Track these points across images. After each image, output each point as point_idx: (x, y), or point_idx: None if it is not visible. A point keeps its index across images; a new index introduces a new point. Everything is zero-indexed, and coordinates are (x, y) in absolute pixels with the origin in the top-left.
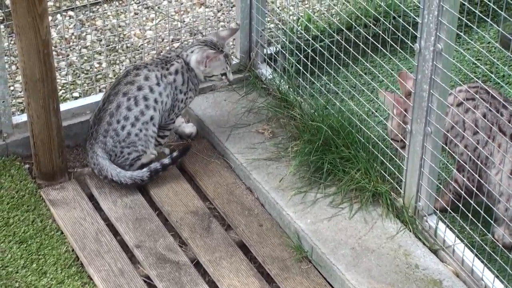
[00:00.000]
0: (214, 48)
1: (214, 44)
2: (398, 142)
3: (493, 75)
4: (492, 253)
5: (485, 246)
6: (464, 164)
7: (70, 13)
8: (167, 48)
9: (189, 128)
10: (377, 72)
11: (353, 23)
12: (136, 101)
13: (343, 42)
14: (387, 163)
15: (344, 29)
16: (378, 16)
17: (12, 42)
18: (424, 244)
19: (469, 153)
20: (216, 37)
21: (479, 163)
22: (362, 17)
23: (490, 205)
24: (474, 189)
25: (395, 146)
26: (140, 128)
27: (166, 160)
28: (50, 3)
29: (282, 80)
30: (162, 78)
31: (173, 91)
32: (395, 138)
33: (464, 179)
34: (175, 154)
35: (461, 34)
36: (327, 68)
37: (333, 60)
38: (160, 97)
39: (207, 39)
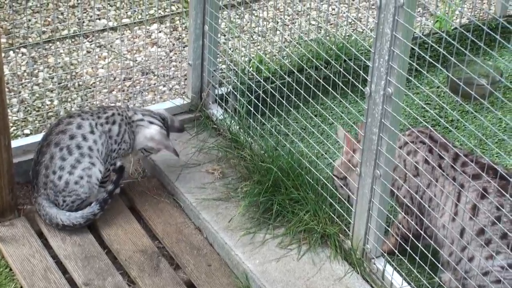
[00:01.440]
0: (163, 123)
1: (163, 119)
2: (340, 180)
3: (442, 120)
4: None
5: None
6: (409, 206)
7: (23, 50)
8: (119, 86)
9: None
10: (327, 115)
11: (304, 66)
12: (70, 150)
13: (294, 84)
14: (336, 205)
15: (295, 71)
16: (329, 59)
17: None
18: (372, 286)
19: (412, 194)
20: (168, 115)
21: (425, 204)
22: (314, 60)
23: (437, 248)
24: (421, 231)
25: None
26: (80, 175)
27: (110, 187)
28: (3, 40)
29: (233, 121)
30: (97, 126)
31: (108, 140)
32: (338, 175)
33: (410, 221)
34: (114, 178)
35: (411, 78)
36: (277, 109)
37: (283, 101)
38: (95, 145)
39: (164, 117)
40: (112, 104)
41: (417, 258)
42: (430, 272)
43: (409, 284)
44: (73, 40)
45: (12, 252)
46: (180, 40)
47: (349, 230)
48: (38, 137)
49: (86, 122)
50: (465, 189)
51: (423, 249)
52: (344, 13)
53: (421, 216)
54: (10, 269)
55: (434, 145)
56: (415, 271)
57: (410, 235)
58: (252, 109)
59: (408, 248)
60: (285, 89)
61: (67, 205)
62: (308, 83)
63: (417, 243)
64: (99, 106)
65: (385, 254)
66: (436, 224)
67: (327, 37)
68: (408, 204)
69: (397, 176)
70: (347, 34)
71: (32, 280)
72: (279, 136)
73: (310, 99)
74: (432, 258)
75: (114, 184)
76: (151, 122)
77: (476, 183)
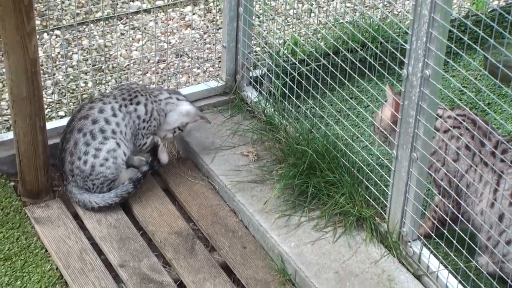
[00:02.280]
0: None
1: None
2: (382, 136)
3: (480, 102)
4: (476, 280)
5: (469, 273)
6: (446, 189)
7: (57, 32)
8: (153, 69)
9: (162, 156)
10: (363, 97)
11: (340, 48)
12: (93, 134)
13: (329, 66)
14: (372, 188)
15: (330, 53)
16: (365, 41)
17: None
18: (408, 269)
19: (451, 177)
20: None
21: (462, 188)
22: (349, 42)
23: (475, 231)
24: (458, 215)
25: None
26: (105, 157)
27: (145, 168)
28: (37, 22)
29: (267, 103)
30: (121, 108)
31: (133, 120)
32: (379, 127)
33: (447, 204)
34: (150, 159)
35: (449, 60)
36: (312, 92)
37: (319, 84)
38: (118, 127)
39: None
40: (135, 84)
41: (454, 241)
42: (467, 256)
43: (445, 267)
44: (107, 22)
45: (48, 233)
46: (214, 22)
47: (385, 213)
48: None
49: (108, 106)
50: (504, 175)
51: (460, 232)
52: None
53: (459, 200)
54: (46, 250)
55: (476, 131)
56: (452, 254)
57: (447, 219)
58: (287, 91)
59: (445, 232)
60: (320, 72)
61: (98, 187)
62: (343, 65)
63: (454, 226)
64: (121, 88)
65: (422, 238)
66: (474, 209)
67: (363, 19)
68: (446, 188)
69: (436, 159)
70: (383, 16)
71: (68, 261)
72: (314, 118)
73: (345, 82)
74: (470, 242)
75: (150, 166)
76: (179, 99)
77: None
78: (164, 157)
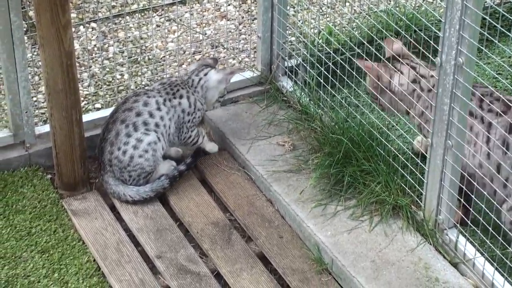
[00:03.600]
0: (210, 65)
1: (207, 65)
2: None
3: None
4: None
5: (506, 260)
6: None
7: (93, 24)
8: (188, 60)
9: (209, 146)
10: (397, 86)
11: (374, 37)
12: (135, 126)
13: (364, 56)
14: (408, 176)
15: (365, 42)
16: (400, 30)
17: (36, 53)
18: (444, 257)
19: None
20: (208, 63)
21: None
22: (384, 31)
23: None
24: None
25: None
26: (145, 149)
27: (182, 167)
28: (73, 15)
29: (302, 93)
30: (166, 102)
31: (178, 115)
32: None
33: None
34: (188, 160)
35: (482, 48)
36: (347, 81)
37: (354, 73)
38: (162, 121)
39: (206, 64)
40: (173, 77)
41: (489, 228)
42: (504, 243)
43: (482, 255)
44: (142, 14)
45: (85, 225)
46: (249, 13)
47: (421, 201)
48: (108, 111)
49: (152, 99)
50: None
51: (496, 220)
52: None
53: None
54: (83, 242)
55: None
56: (488, 241)
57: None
58: (322, 81)
59: (481, 219)
60: (355, 61)
61: (134, 179)
62: (378, 54)
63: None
64: (162, 82)
65: (458, 225)
66: (473, 162)
67: (397, 8)
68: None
69: (424, 120)
70: (417, 5)
71: (105, 253)
72: (349, 107)
73: (380, 70)
74: (506, 229)
75: (187, 166)
76: (206, 74)
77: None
78: (210, 146)
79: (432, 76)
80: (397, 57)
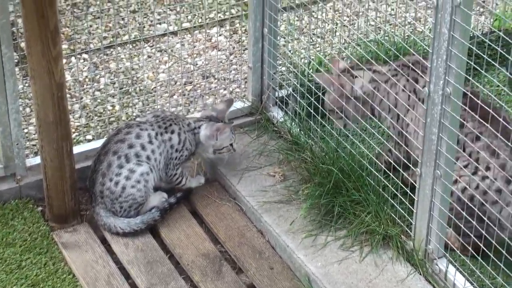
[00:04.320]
0: (218, 121)
1: (216, 118)
2: (334, 114)
3: (500, 119)
4: None
5: None
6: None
7: (84, 56)
8: (180, 91)
9: (194, 183)
10: (386, 115)
11: (363, 67)
12: (128, 158)
13: (353, 85)
14: (397, 206)
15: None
16: (388, 60)
17: (27, 84)
18: (434, 287)
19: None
20: (215, 112)
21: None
22: (372, 61)
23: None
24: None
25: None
26: (138, 179)
27: (172, 200)
28: (64, 46)
29: (293, 123)
30: (157, 136)
31: (167, 149)
32: (331, 109)
33: (395, 150)
34: (179, 194)
35: (470, 78)
36: (337, 111)
37: (343, 103)
38: (153, 154)
39: (208, 115)
40: (168, 112)
41: (478, 258)
42: (493, 272)
43: (471, 284)
44: (134, 45)
45: (75, 258)
46: (240, 43)
47: (410, 231)
48: (100, 143)
49: (145, 132)
50: None
51: (485, 249)
52: (403, 13)
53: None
54: (74, 275)
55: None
56: (477, 271)
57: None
58: (312, 111)
59: (470, 249)
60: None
61: (125, 211)
62: (367, 83)
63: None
64: (156, 115)
65: (447, 255)
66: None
67: (386, 38)
68: (392, 135)
69: (381, 108)
70: (406, 35)
71: (96, 286)
72: (339, 137)
73: (369, 100)
74: (494, 258)
75: (177, 199)
76: (199, 127)
77: None
78: (195, 183)
79: (389, 70)
80: (349, 68)
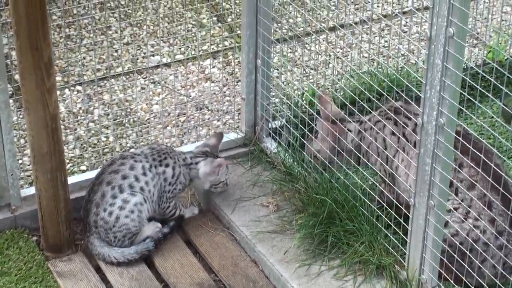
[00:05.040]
0: (214, 157)
1: (212, 154)
2: (318, 160)
3: (494, 149)
4: None
5: None
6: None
7: (78, 87)
8: (173, 122)
9: (188, 214)
10: (380, 146)
11: (357, 98)
12: (121, 188)
13: (346, 117)
14: (391, 236)
15: (347, 103)
16: (381, 91)
17: (21, 116)
18: None
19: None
20: (209, 148)
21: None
22: (366, 92)
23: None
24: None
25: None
26: (131, 209)
27: (166, 229)
28: (58, 78)
29: (286, 154)
30: (151, 169)
31: (160, 182)
32: (322, 156)
33: (384, 190)
34: (171, 223)
35: (463, 109)
36: (331, 141)
37: (337, 134)
38: (147, 186)
39: (204, 151)
40: (163, 145)
41: (472, 286)
42: None
43: None
44: (127, 76)
45: (71, 287)
46: (233, 74)
47: (404, 261)
48: (94, 173)
49: (139, 164)
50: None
51: (478, 278)
52: (396, 45)
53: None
54: None
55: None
56: None
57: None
58: (306, 142)
59: (464, 278)
60: (338, 122)
61: (119, 241)
62: (360, 115)
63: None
64: (151, 147)
65: (441, 285)
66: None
67: (380, 69)
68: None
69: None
70: (400, 66)
71: None
72: (333, 168)
73: (363, 131)
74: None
75: (171, 229)
76: (197, 163)
77: None
78: (189, 213)
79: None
80: (340, 117)
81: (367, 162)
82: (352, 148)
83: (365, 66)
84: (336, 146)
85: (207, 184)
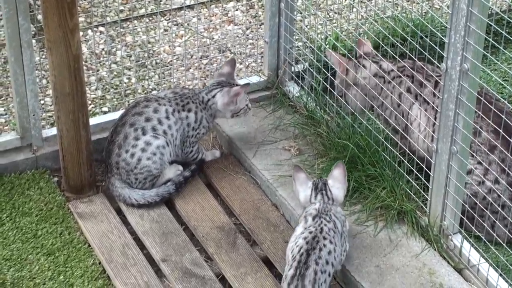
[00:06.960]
0: (230, 85)
1: (227, 82)
2: (343, 97)
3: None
4: None
5: (510, 266)
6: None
7: (101, 28)
8: (196, 64)
9: (209, 157)
10: (403, 91)
11: (380, 42)
12: (144, 131)
13: (370, 61)
14: (413, 182)
15: (371, 48)
16: (406, 36)
17: (43, 56)
18: (448, 263)
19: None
20: (224, 76)
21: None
22: (390, 37)
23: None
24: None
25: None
26: (153, 152)
27: (187, 173)
28: (81, 19)
29: (309, 98)
30: (174, 113)
31: (183, 127)
32: (340, 93)
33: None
34: (193, 167)
35: (488, 54)
36: (354, 86)
37: (359, 78)
38: (170, 130)
39: (219, 81)
40: (186, 89)
41: (494, 234)
42: (508, 249)
43: (486, 260)
44: (150, 18)
45: (91, 228)
46: (256, 18)
47: (426, 207)
48: (116, 115)
49: (162, 107)
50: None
51: (500, 226)
52: None
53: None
54: (89, 245)
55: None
56: (492, 247)
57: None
58: (328, 86)
59: (485, 226)
60: (361, 66)
61: (140, 183)
62: (384, 60)
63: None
64: (174, 92)
65: (462, 231)
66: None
67: (404, 14)
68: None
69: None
70: (424, 11)
71: (111, 255)
72: (355, 112)
73: (386, 76)
74: (510, 234)
75: (192, 172)
76: (213, 96)
77: None
78: (211, 156)
79: (392, 70)
80: (363, 55)
81: (378, 109)
82: (366, 85)
83: (389, 11)
84: (346, 78)
85: (228, 113)
